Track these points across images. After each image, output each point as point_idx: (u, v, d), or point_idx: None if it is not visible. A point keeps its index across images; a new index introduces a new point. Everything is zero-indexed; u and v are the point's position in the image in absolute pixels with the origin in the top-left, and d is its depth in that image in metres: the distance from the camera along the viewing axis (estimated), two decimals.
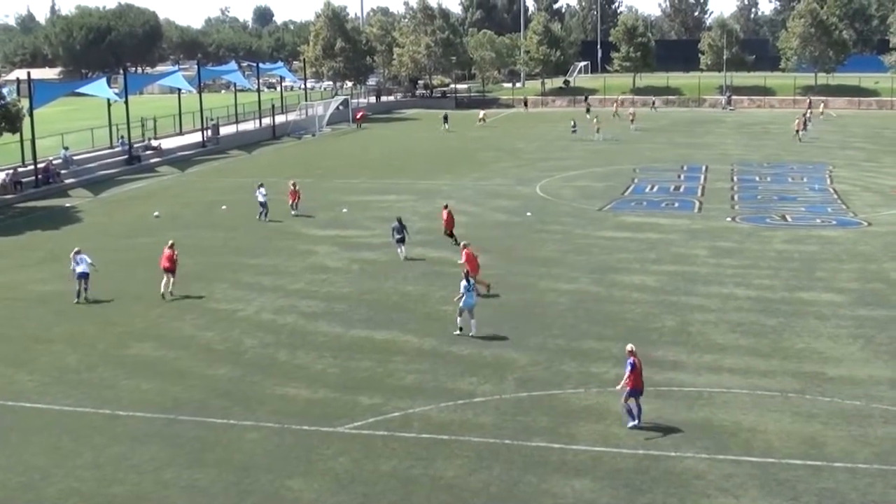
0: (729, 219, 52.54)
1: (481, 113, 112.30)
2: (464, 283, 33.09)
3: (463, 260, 37.24)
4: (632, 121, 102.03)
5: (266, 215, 53.31)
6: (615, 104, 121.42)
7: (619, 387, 25.64)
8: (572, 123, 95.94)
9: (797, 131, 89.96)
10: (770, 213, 53.83)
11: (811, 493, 21.44)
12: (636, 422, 25.14)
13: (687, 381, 28.43)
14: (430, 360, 30.59)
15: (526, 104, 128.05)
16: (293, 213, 54.74)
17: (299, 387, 28.53)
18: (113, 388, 28.90)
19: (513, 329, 33.52)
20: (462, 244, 38.95)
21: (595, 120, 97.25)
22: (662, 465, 23.01)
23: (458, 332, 33.05)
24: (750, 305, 35.92)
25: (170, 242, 39.58)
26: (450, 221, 46.49)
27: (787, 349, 31.05)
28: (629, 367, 25.02)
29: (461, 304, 33.06)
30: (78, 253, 38.81)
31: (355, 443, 24.60)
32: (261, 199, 53.69)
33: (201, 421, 26.21)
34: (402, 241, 44.17)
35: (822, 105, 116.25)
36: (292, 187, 55.69)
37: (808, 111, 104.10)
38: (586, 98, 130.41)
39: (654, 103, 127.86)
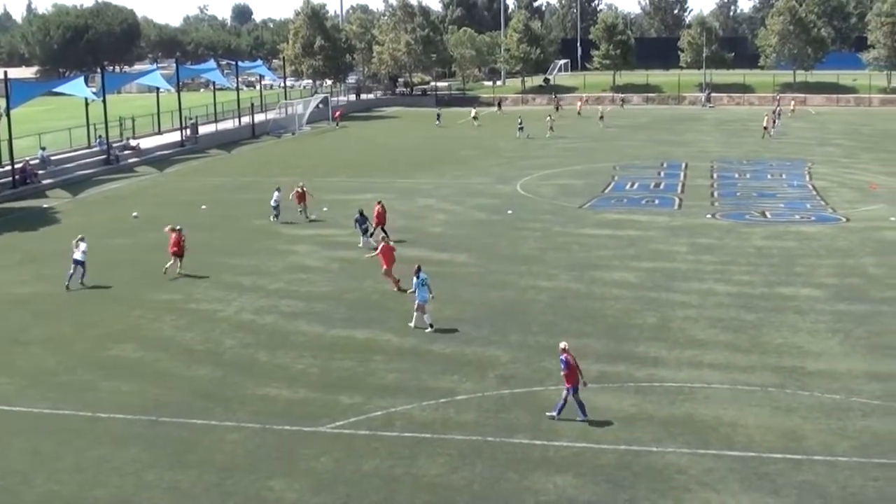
0: (709, 215, 52.68)
1: (473, 111, 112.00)
2: (415, 278, 33.43)
3: (378, 253, 38.12)
4: (601, 118, 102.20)
5: (278, 217, 52.16)
6: (579, 103, 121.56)
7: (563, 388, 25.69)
8: (518, 121, 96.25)
9: (765, 128, 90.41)
10: (749, 210, 54.02)
11: (791, 487, 21.54)
12: (584, 416, 25.28)
13: (668, 376, 28.52)
14: (411, 359, 30.58)
15: (500, 105, 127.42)
16: (307, 217, 52.64)
17: (280, 387, 28.47)
18: (93, 390, 28.77)
19: (493, 327, 33.55)
20: (381, 237, 39.75)
21: (549, 118, 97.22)
22: (644, 460, 23.07)
23: (429, 328, 33.27)
24: (730, 301, 36.06)
25: (178, 227, 41.58)
26: (381, 216, 46.57)
27: (767, 344, 31.19)
28: (564, 365, 25.13)
29: (416, 300, 33.35)
30: (81, 240, 40.15)
31: (337, 442, 24.57)
32: (274, 202, 52.59)
33: (182, 422, 26.13)
34: (365, 231, 45.35)
35: (792, 102, 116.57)
36: (299, 189, 53.33)
37: (778, 108, 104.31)
38: (555, 97, 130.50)
39: (622, 100, 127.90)
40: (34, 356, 31.93)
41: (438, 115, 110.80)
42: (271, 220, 52.07)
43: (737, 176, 67.30)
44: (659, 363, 29.65)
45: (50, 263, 44.66)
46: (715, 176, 67.31)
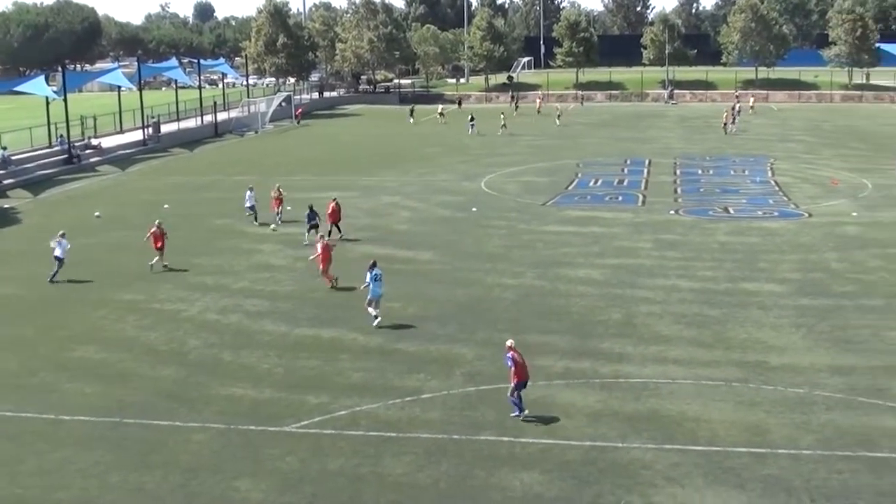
0: (672, 212, 52.94)
1: (440, 108, 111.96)
2: (369, 273, 33.57)
3: (318, 252, 38.24)
4: (558, 116, 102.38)
5: (256, 218, 50.83)
6: (538, 101, 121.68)
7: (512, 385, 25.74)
8: (470, 118, 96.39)
9: (725, 125, 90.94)
10: (713, 206, 54.30)
11: (756, 480, 21.68)
12: (520, 413, 25.33)
13: (632, 372, 28.62)
14: (376, 358, 30.53)
15: (460, 103, 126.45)
16: (278, 221, 50.71)
17: (245, 387, 28.35)
18: (56, 391, 28.54)
19: (459, 324, 33.56)
20: (320, 235, 40.28)
21: (502, 115, 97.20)
22: (609, 456, 23.14)
23: (376, 322, 33.43)
24: (693, 297, 36.24)
25: (156, 222, 42.41)
26: (335, 214, 46.69)
27: (731, 339, 31.37)
28: (510, 363, 25.18)
29: (369, 294, 33.49)
30: (63, 236, 40.94)
31: (302, 442, 24.51)
32: (249, 202, 51.26)
33: (147, 423, 25.97)
34: (315, 227, 45.65)
35: (751, 99, 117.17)
36: (276, 192, 51.90)
37: (737, 105, 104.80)
38: (512, 95, 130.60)
39: (581, 98, 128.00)
40: None
41: (412, 111, 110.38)
42: (253, 222, 50.60)
43: (700, 172, 67.61)
44: (624, 359, 29.75)
45: (11, 264, 44.39)
46: (678, 172, 67.63)
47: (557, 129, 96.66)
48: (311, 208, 46.39)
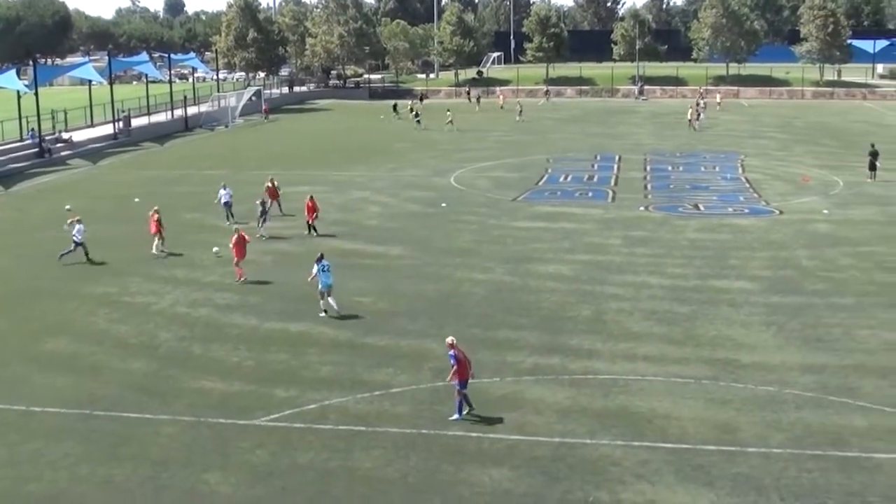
0: (642, 208, 53.10)
1: (410, 103, 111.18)
2: (316, 265, 33.98)
3: (232, 243, 38.71)
4: (519, 113, 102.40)
5: (232, 216, 49.36)
6: (501, 97, 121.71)
7: (447, 380, 25.78)
8: (415, 113, 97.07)
9: (690, 121, 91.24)
10: (683, 203, 54.48)
11: (725, 479, 21.77)
12: (459, 415, 25.22)
13: (602, 369, 28.70)
14: (345, 352, 30.54)
15: (422, 98, 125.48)
16: (281, 213, 50.81)
17: (215, 380, 28.33)
18: (27, 383, 28.46)
19: (429, 319, 33.59)
20: (235, 227, 40.59)
21: (448, 111, 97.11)
22: (579, 452, 23.21)
23: (322, 314, 33.79)
24: (663, 294, 36.35)
25: (154, 208, 43.71)
26: (312, 210, 46.77)
27: (701, 337, 31.49)
28: (453, 361, 25.05)
29: (319, 286, 33.80)
30: (79, 221, 42.04)
31: (272, 435, 24.51)
32: (225, 199, 50.03)
33: (117, 416, 25.93)
34: (262, 217, 46.46)
35: (718, 95, 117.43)
36: (270, 184, 51.46)
37: (703, 101, 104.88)
38: (468, 89, 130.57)
39: (546, 93, 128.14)
40: None
41: (395, 107, 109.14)
42: (227, 224, 48.31)
43: (670, 168, 67.81)
44: (593, 355, 29.84)
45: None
46: (648, 168, 67.82)
47: (525, 125, 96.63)
48: (262, 202, 47.06)
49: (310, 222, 46.60)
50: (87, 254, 42.14)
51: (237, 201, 50.56)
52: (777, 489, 21.31)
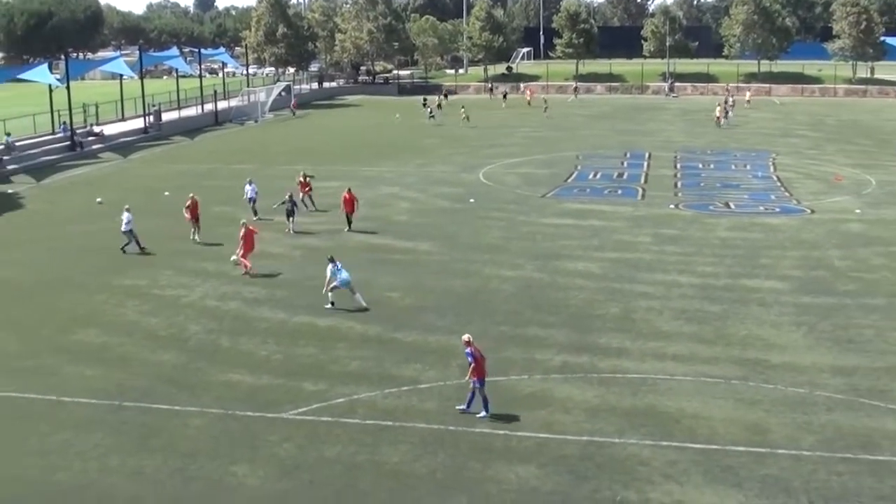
0: (672, 206, 52.87)
1: (437, 99, 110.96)
2: (330, 266, 34.25)
3: (240, 236, 39.24)
4: (545, 109, 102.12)
5: (255, 212, 49.30)
6: (528, 92, 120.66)
7: (465, 379, 25.57)
8: (429, 109, 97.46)
9: (718, 118, 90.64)
10: (713, 201, 54.20)
11: (754, 480, 21.63)
12: (486, 412, 25.12)
13: (631, 367, 28.58)
14: (374, 347, 30.56)
15: (446, 95, 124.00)
16: (314, 208, 51.39)
17: (243, 373, 28.41)
18: (57, 374, 28.63)
19: (457, 315, 33.55)
20: (242, 222, 40.65)
21: (462, 108, 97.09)
22: (607, 451, 23.12)
23: (329, 305, 34.35)
24: (693, 293, 36.16)
25: (191, 195, 45.44)
26: (350, 204, 46.63)
27: (731, 336, 31.29)
28: (470, 358, 24.94)
29: (337, 283, 34.09)
30: (128, 210, 42.98)
31: (300, 429, 24.55)
32: (250, 195, 50.01)
33: (146, 407, 26.04)
34: (290, 214, 46.51)
35: (747, 93, 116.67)
36: (302, 179, 52.11)
37: (731, 98, 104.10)
38: (491, 87, 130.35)
39: (576, 90, 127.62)
40: None
41: (424, 102, 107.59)
42: (254, 219, 48.14)
43: (700, 166, 67.50)
44: (622, 354, 29.72)
45: (13, 249, 44.52)
46: (678, 166, 67.49)
47: (554, 121, 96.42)
48: (290, 197, 47.03)
49: (348, 214, 46.51)
50: (137, 242, 42.92)
51: (266, 195, 50.66)
52: (806, 492, 21.15)
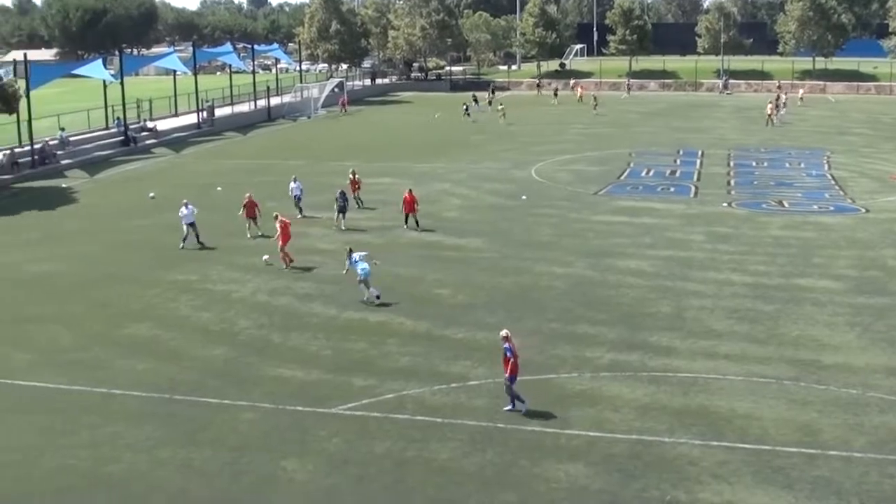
0: (725, 204, 52.46)
1: (488, 96, 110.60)
2: (349, 259, 34.80)
3: (279, 228, 39.57)
4: (594, 106, 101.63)
5: (302, 210, 49.36)
6: (579, 89, 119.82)
7: (507, 374, 25.18)
8: (464, 105, 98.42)
9: (769, 116, 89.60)
10: (767, 199, 53.74)
11: (805, 481, 21.39)
12: (520, 405, 25.06)
13: (682, 366, 28.38)
14: (423, 343, 30.58)
15: (493, 91, 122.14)
16: (360, 205, 50.89)
17: (294, 368, 28.52)
18: (108, 367, 28.89)
19: (507, 312, 33.46)
20: (275, 214, 41.22)
21: (500, 106, 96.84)
22: (656, 450, 22.97)
23: (375, 300, 34.55)
24: (746, 291, 35.85)
25: (247, 195, 45.56)
26: (409, 204, 46.34)
27: (783, 336, 30.98)
28: (509, 353, 24.81)
29: (358, 276, 34.38)
30: (185, 205, 43.20)
31: (349, 424, 24.60)
32: (295, 192, 49.90)
33: (196, 401, 26.22)
34: (342, 210, 46.51)
35: (800, 90, 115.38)
36: (352, 176, 51.83)
37: (783, 96, 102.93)
38: (539, 83, 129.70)
39: (628, 87, 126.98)
40: (50, 333, 32.10)
41: (475, 98, 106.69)
42: (298, 216, 48.38)
43: (754, 164, 66.96)
44: (673, 353, 29.52)
45: (66, 242, 44.98)
46: (732, 164, 66.95)
47: (607, 118, 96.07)
48: (341, 192, 47.05)
49: (408, 214, 46.28)
50: (197, 236, 43.34)
51: (317, 192, 50.84)
52: (857, 494, 20.88)
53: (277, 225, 39.78)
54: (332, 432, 24.13)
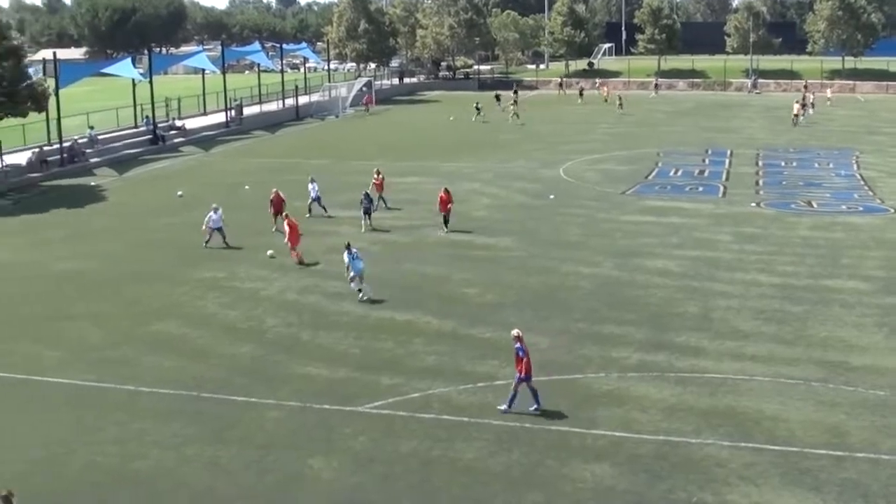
0: (753, 204, 52.23)
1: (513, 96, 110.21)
2: (346, 253, 34.96)
3: (286, 228, 40.09)
4: (620, 105, 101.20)
5: (314, 209, 49.47)
6: (605, 89, 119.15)
7: (520, 373, 25.06)
8: (476, 104, 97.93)
9: (796, 116, 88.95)
10: (795, 199, 53.45)
11: (833, 484, 21.29)
12: (515, 406, 24.98)
13: (709, 367, 28.29)
14: (450, 342, 30.60)
15: (515, 91, 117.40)
16: (385, 206, 50.55)
17: (321, 366, 28.60)
18: (135, 365, 29.06)
19: (534, 312, 33.44)
20: (284, 214, 42.02)
21: (512, 105, 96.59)
22: (683, 451, 22.92)
23: (366, 297, 34.80)
24: (774, 292, 35.67)
25: (274, 190, 46.57)
26: (444, 203, 45.97)
27: (811, 337, 30.83)
28: (522, 353, 24.74)
29: (351, 271, 34.73)
30: (215, 210, 43.32)
31: (375, 423, 24.66)
32: (313, 194, 49.66)
33: (223, 399, 26.34)
34: (367, 212, 46.44)
35: (828, 90, 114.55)
36: (376, 176, 51.24)
37: (811, 95, 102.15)
38: (561, 83, 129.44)
39: (656, 86, 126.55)
40: (79, 330, 32.31)
41: (497, 97, 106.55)
42: (324, 212, 49.30)
43: (783, 164, 66.62)
44: (700, 353, 29.43)
45: (95, 240, 45.24)
46: (760, 164, 66.61)
47: (635, 118, 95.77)
48: (366, 194, 47.02)
49: (445, 215, 46.00)
50: (223, 237, 43.39)
51: (341, 191, 50.91)
52: (885, 496, 20.77)
53: (286, 225, 40.01)
54: (358, 431, 24.19)
